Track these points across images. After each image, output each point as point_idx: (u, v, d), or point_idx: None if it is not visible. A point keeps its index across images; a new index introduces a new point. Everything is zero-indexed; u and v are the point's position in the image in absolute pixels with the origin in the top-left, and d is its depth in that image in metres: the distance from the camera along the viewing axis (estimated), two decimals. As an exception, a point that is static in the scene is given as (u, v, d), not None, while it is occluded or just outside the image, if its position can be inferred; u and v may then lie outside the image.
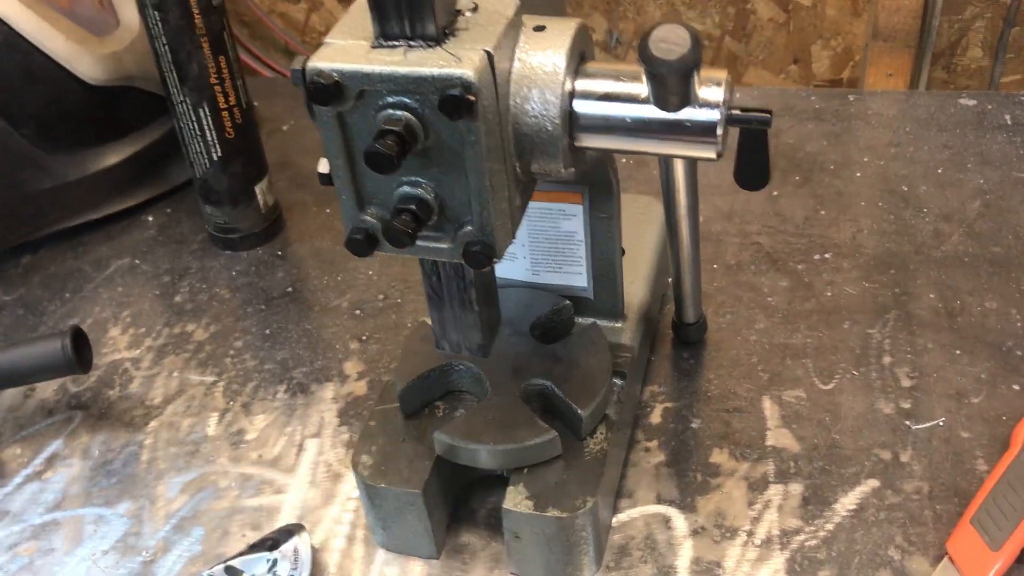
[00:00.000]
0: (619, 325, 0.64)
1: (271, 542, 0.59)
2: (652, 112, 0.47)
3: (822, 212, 0.82)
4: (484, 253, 0.47)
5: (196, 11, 0.74)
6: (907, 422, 0.64)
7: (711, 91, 0.46)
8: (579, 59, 0.49)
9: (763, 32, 1.14)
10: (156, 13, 0.73)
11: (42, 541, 0.63)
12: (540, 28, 0.47)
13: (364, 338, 0.75)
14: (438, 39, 0.44)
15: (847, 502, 0.60)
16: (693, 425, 0.65)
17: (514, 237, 0.50)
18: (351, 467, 0.58)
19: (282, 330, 0.77)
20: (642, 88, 0.47)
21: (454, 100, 0.42)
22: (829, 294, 0.74)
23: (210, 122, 0.78)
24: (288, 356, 0.75)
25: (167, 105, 0.79)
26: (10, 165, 0.84)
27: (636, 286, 0.67)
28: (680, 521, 0.60)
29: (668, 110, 0.47)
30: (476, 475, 0.61)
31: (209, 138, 0.79)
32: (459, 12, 0.46)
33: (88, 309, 0.81)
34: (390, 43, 0.44)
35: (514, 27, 0.46)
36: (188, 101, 0.77)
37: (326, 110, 0.45)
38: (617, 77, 0.48)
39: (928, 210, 0.81)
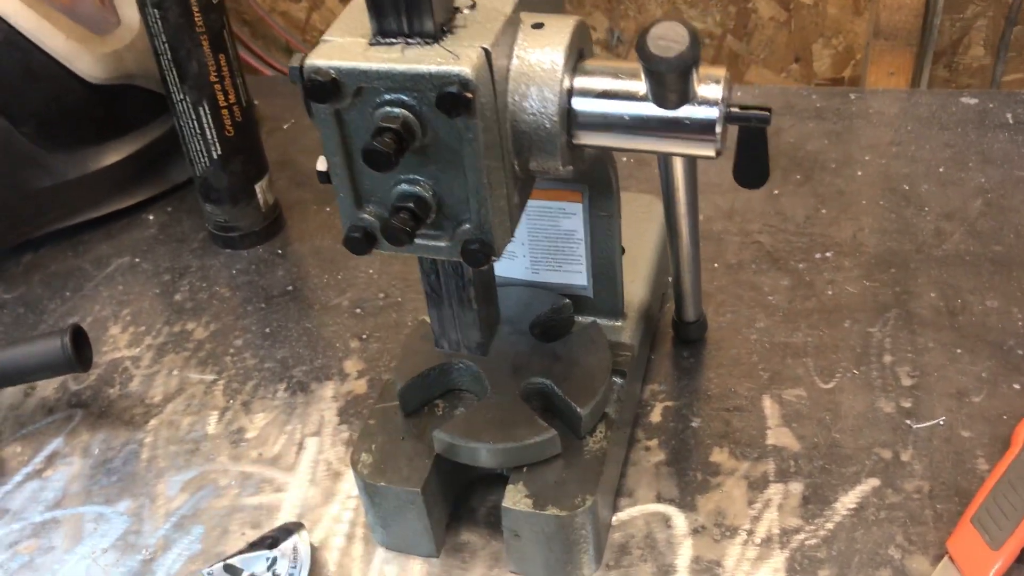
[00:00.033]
0: (619, 324, 0.64)
1: (271, 540, 0.59)
2: (651, 110, 0.47)
3: (823, 211, 0.82)
4: (482, 251, 0.47)
5: (196, 9, 0.74)
6: (908, 421, 0.64)
7: (710, 89, 0.46)
8: (578, 56, 0.48)
9: (764, 31, 1.14)
10: (156, 11, 0.73)
11: (42, 539, 0.63)
12: (538, 25, 0.47)
13: (364, 337, 0.75)
14: (436, 36, 0.44)
15: (847, 501, 0.59)
16: (693, 424, 0.65)
17: (513, 235, 0.49)
18: (351, 465, 0.58)
19: (282, 329, 0.77)
20: (641, 85, 0.47)
21: (452, 97, 0.42)
22: (830, 293, 0.74)
23: (210, 120, 0.78)
24: (288, 355, 0.75)
25: (167, 103, 0.79)
26: (10, 164, 0.84)
27: (636, 285, 0.67)
28: (680, 520, 0.60)
29: (667, 108, 0.47)
30: (476, 474, 0.61)
31: (209, 136, 0.79)
32: (457, 9, 0.45)
33: (88, 307, 0.81)
34: (388, 40, 0.44)
35: (512, 24, 0.46)
36: (188, 99, 0.77)
37: (324, 108, 0.45)
38: (616, 74, 0.48)
39: (929, 209, 0.81)
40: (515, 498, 0.55)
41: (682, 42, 0.43)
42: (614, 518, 0.60)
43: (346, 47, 0.44)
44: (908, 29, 1.05)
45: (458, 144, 0.44)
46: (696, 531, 0.59)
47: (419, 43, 0.44)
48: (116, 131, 0.90)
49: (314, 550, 0.60)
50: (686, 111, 0.47)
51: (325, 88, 0.43)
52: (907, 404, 0.65)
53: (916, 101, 0.95)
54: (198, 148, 0.80)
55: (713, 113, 0.46)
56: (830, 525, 0.58)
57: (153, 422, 0.71)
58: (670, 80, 0.45)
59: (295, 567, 0.57)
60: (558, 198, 0.60)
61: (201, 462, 0.67)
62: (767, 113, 0.48)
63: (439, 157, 0.45)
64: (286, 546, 0.58)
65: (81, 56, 0.84)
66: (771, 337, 0.71)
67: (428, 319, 0.55)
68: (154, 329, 0.78)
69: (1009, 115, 0.90)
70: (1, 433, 0.71)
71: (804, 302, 0.73)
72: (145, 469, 0.67)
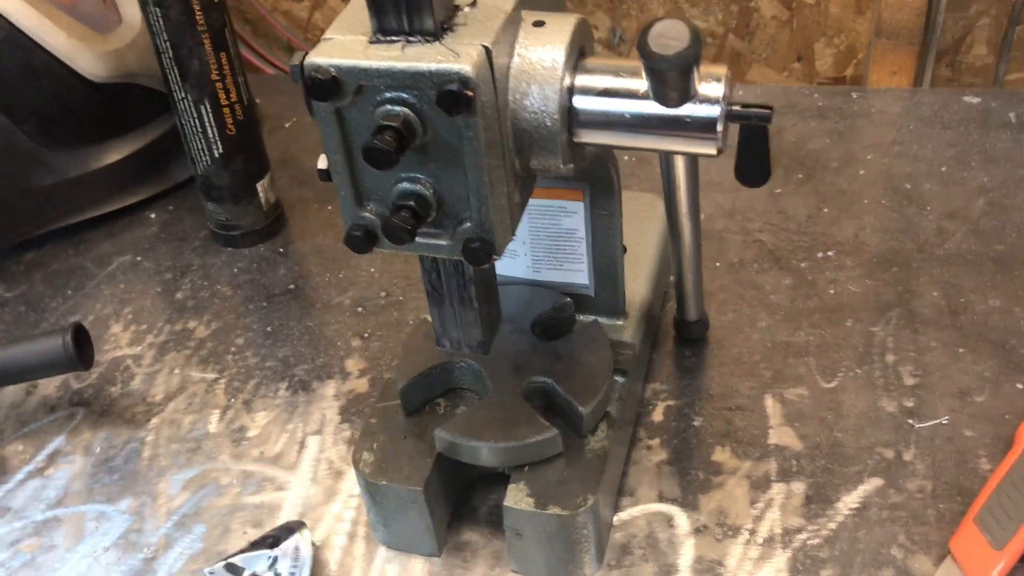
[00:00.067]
0: (620, 323, 0.64)
1: (272, 539, 0.59)
2: (652, 108, 0.47)
3: (825, 210, 0.82)
4: (483, 250, 0.47)
5: (197, 7, 0.73)
6: (910, 420, 0.64)
7: (711, 87, 0.46)
8: (578, 55, 0.48)
9: (766, 30, 1.14)
10: (157, 9, 0.73)
11: (44, 538, 0.63)
12: (539, 23, 0.47)
13: (366, 335, 0.75)
14: (436, 34, 0.44)
15: (850, 501, 0.59)
16: (695, 423, 0.65)
17: (514, 234, 0.49)
18: (352, 464, 0.58)
19: (284, 327, 0.77)
20: (642, 84, 0.47)
21: (452, 95, 0.42)
22: (832, 292, 0.74)
23: (211, 119, 0.78)
24: (290, 353, 0.74)
25: (169, 102, 0.79)
26: (12, 162, 0.84)
27: (638, 283, 0.67)
28: (682, 519, 0.59)
29: (668, 106, 0.47)
30: (477, 473, 0.61)
31: (210, 135, 0.79)
32: (457, 7, 0.45)
33: (90, 306, 0.81)
34: (388, 38, 0.44)
35: (513, 22, 0.46)
36: (189, 98, 0.77)
37: (324, 106, 0.44)
38: (617, 73, 0.48)
39: (932, 208, 0.81)
40: (517, 497, 0.55)
41: (683, 40, 0.43)
42: (616, 517, 0.60)
43: (347, 45, 0.44)
44: (910, 28, 1.05)
45: (459, 142, 0.44)
46: (698, 531, 0.59)
47: (419, 41, 0.44)
48: (117, 129, 0.90)
49: (316, 549, 0.60)
50: (687, 109, 0.47)
51: (326, 86, 0.43)
52: (909, 403, 0.65)
53: (918, 100, 0.95)
54: (199, 146, 0.80)
55: (714, 111, 0.46)
56: (832, 525, 0.58)
57: (154, 420, 0.70)
58: (671, 78, 0.44)
59: (296, 566, 0.57)
60: (559, 196, 0.60)
61: (202, 461, 0.67)
62: (768, 111, 0.48)
63: (440, 155, 0.45)
64: (287, 545, 0.58)
65: (82, 54, 0.84)
66: (773, 336, 0.71)
67: (429, 318, 0.55)
68: (155, 327, 0.78)
69: (1012, 114, 0.90)
70: (3, 431, 0.71)
71: (806, 301, 0.73)
72: (147, 468, 0.67)
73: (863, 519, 0.58)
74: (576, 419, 0.57)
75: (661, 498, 0.61)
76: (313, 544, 0.59)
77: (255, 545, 0.59)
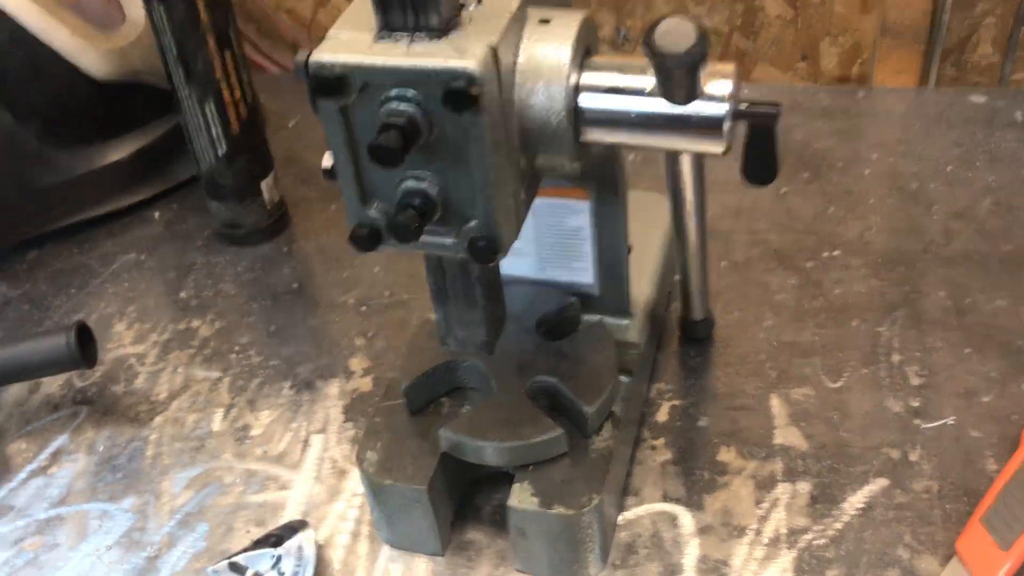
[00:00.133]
0: (625, 322, 0.64)
1: (275, 538, 0.59)
2: (658, 106, 0.47)
3: (831, 209, 0.82)
4: (489, 248, 0.47)
5: (201, 5, 0.73)
6: (916, 421, 0.63)
7: (718, 85, 0.46)
8: (584, 52, 0.48)
9: (771, 29, 1.13)
10: (161, 8, 0.73)
11: (47, 536, 0.63)
12: (545, 21, 0.47)
13: (370, 335, 0.75)
14: (442, 32, 0.43)
15: (855, 501, 0.59)
16: (700, 423, 0.65)
17: (519, 233, 0.49)
18: (356, 463, 0.58)
19: (287, 326, 0.77)
20: (648, 81, 0.47)
21: (458, 94, 0.42)
22: (838, 292, 0.73)
23: (215, 117, 0.78)
24: (293, 352, 0.74)
25: (173, 101, 0.79)
26: (16, 161, 0.84)
27: (643, 283, 0.66)
28: (687, 519, 0.59)
29: (675, 103, 0.46)
30: (481, 472, 0.60)
31: (214, 133, 0.79)
32: (463, 5, 0.45)
33: (93, 304, 0.81)
34: (393, 36, 0.44)
35: (518, 20, 0.46)
36: (193, 96, 0.77)
37: (329, 104, 0.44)
38: (623, 70, 0.47)
39: (938, 208, 0.81)
40: (521, 497, 0.55)
41: (690, 37, 0.42)
42: (620, 517, 0.60)
43: (352, 43, 0.44)
44: (916, 27, 1.04)
45: (464, 141, 0.44)
46: (703, 530, 0.58)
47: (425, 38, 0.43)
48: (121, 128, 0.90)
49: (319, 548, 0.59)
50: (694, 107, 0.46)
51: (331, 84, 0.43)
52: (916, 403, 0.64)
53: (924, 99, 0.95)
54: (203, 145, 0.80)
55: (721, 109, 0.46)
56: (838, 525, 0.58)
57: (158, 419, 0.70)
58: (678, 76, 0.44)
59: (300, 565, 0.57)
60: (565, 196, 0.60)
61: (206, 459, 0.67)
62: (776, 109, 0.47)
63: (445, 153, 0.45)
64: (291, 544, 0.58)
65: (86, 53, 0.84)
66: (778, 336, 0.70)
67: (433, 317, 0.55)
68: (159, 326, 0.78)
69: (1018, 113, 0.90)
70: (6, 430, 0.71)
71: (812, 301, 0.73)
72: (150, 466, 0.67)
73: (869, 519, 0.58)
74: (581, 419, 0.57)
75: (666, 498, 0.60)
76: (316, 543, 0.59)
77: (258, 544, 0.59)
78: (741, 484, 0.61)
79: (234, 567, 0.57)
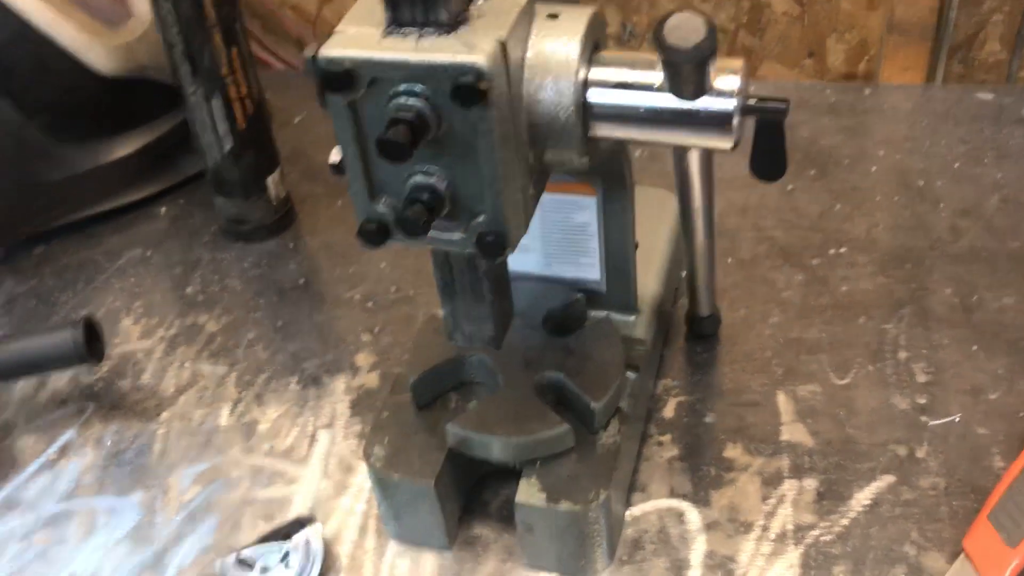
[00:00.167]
0: (632, 318, 0.64)
1: (283, 533, 0.59)
2: (667, 101, 0.47)
3: (837, 206, 0.81)
4: (497, 243, 0.47)
5: (208, 1, 0.73)
6: (923, 418, 0.63)
7: (727, 80, 0.46)
8: (593, 47, 0.48)
9: (777, 25, 1.13)
10: (168, 3, 0.73)
11: (55, 530, 0.63)
12: (554, 16, 0.47)
13: (376, 330, 0.75)
14: (450, 27, 0.43)
15: (862, 497, 0.59)
16: (707, 419, 0.65)
17: (527, 228, 0.49)
18: (363, 458, 0.58)
19: (294, 322, 0.77)
20: (657, 76, 0.47)
21: (467, 89, 0.42)
22: (844, 289, 0.73)
23: (222, 113, 0.78)
24: (300, 348, 0.74)
25: (179, 96, 0.79)
26: (22, 156, 0.84)
27: (650, 279, 0.66)
28: (694, 515, 0.59)
29: (683, 99, 0.46)
30: (488, 467, 0.60)
31: (221, 129, 0.79)
32: (471, 0, 0.45)
33: (100, 300, 0.81)
34: (402, 30, 0.44)
35: (527, 15, 0.46)
36: (200, 92, 0.77)
37: (338, 99, 0.44)
38: (632, 66, 0.47)
39: (945, 205, 0.80)
40: (528, 492, 0.55)
41: (700, 32, 0.42)
42: (627, 513, 0.60)
43: (360, 37, 0.44)
44: (923, 24, 1.04)
45: (473, 136, 0.44)
46: (710, 526, 0.58)
47: (434, 33, 0.43)
48: (128, 124, 0.90)
49: (326, 543, 0.60)
50: (703, 102, 0.46)
51: (340, 78, 0.43)
52: (922, 400, 0.64)
53: (931, 96, 0.94)
54: (210, 141, 0.80)
55: (730, 104, 0.46)
56: (845, 521, 0.58)
57: (165, 414, 0.71)
58: (687, 71, 0.44)
59: (308, 560, 0.57)
60: (572, 191, 0.60)
61: (213, 454, 0.67)
62: (784, 104, 0.47)
63: (454, 148, 0.45)
64: (298, 539, 0.58)
65: (93, 49, 0.84)
66: (785, 333, 0.70)
67: (440, 313, 0.55)
68: (166, 322, 0.78)
69: (1025, 110, 0.90)
70: (14, 425, 0.71)
71: (818, 298, 0.73)
72: (157, 461, 0.67)
73: (875, 516, 0.58)
74: (588, 414, 0.57)
75: (673, 494, 0.61)
76: (324, 538, 0.59)
77: (266, 539, 0.59)
78: (748, 480, 0.61)
79: (242, 562, 0.58)
